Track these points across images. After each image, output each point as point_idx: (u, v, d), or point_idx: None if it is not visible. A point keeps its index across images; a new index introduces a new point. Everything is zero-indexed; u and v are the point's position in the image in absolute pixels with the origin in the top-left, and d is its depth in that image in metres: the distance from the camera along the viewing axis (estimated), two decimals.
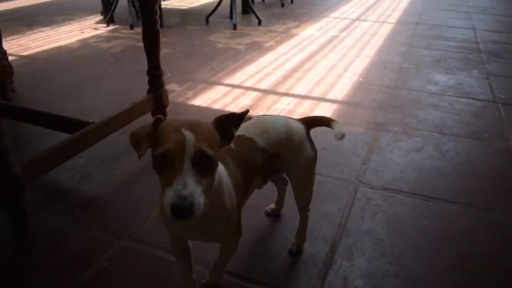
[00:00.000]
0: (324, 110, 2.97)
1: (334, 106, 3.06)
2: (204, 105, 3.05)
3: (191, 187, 0.94)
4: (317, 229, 1.83)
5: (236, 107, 3.01)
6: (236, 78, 3.56)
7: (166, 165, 0.97)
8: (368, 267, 1.65)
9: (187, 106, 3.03)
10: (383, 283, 1.58)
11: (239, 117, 1.09)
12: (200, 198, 0.95)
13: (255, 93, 3.26)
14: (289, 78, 3.56)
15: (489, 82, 3.64)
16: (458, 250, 1.78)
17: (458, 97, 3.29)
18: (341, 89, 3.37)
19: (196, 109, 2.99)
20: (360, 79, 3.60)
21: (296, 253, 1.70)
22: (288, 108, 2.97)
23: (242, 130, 1.33)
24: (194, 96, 3.20)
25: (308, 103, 3.09)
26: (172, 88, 3.30)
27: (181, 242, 1.38)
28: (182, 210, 0.92)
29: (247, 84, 3.45)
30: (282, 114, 2.86)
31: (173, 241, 1.38)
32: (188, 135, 0.98)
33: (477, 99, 3.27)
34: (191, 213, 0.93)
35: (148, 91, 2.52)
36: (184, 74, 3.63)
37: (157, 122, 1.03)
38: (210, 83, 3.43)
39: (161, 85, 2.52)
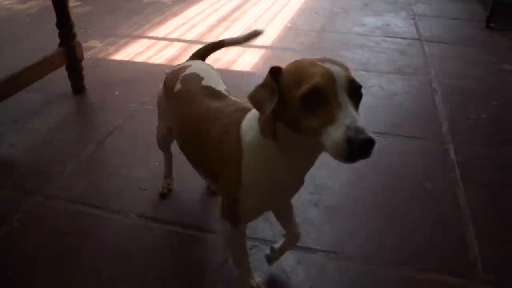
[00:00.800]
0: (251, 56, 2.91)
1: (262, 52, 2.99)
2: (126, 59, 2.90)
3: (361, 119, 0.80)
4: None
5: (160, 59, 2.89)
6: (161, 30, 3.41)
7: (316, 103, 0.83)
8: None
9: (108, 61, 2.87)
10: (304, 211, 1.58)
11: None
12: None
13: (180, 44, 3.13)
14: (217, 28, 3.45)
15: (415, 22, 3.68)
16: (379, 175, 1.80)
17: (385, 36, 3.32)
18: (270, 35, 3.30)
19: (117, 63, 2.84)
20: (289, 25, 3.54)
21: (214, 193, 1.67)
22: (214, 56, 2.86)
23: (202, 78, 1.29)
24: (116, 50, 3.03)
25: (235, 50, 3.00)
26: (93, 44, 3.12)
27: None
28: (364, 142, 0.76)
29: (173, 36, 3.31)
30: (208, 62, 2.77)
31: (243, 232, 1.18)
32: (331, 66, 0.85)
33: (403, 38, 3.30)
34: (372, 145, 0.77)
35: (60, 44, 2.35)
36: (107, 30, 3.44)
37: (276, 70, 0.91)
38: (134, 37, 3.27)
39: (73, 37, 2.35)
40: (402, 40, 3.25)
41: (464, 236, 1.53)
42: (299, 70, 0.87)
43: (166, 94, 1.38)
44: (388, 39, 3.27)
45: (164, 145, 1.62)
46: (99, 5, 4.10)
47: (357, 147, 0.76)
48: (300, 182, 1.10)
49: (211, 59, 1.52)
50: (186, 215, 1.60)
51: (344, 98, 0.82)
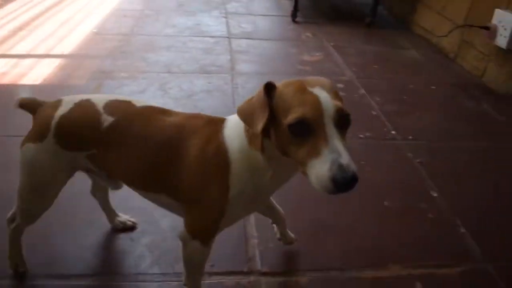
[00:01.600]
0: (45, 67, 2.67)
1: (58, 61, 2.77)
2: None
3: (345, 154, 0.81)
4: None
5: None
6: None
7: (303, 133, 0.83)
8: None
9: None
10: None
11: None
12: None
13: None
14: (11, 38, 3.12)
15: (226, 20, 3.77)
16: None
17: (193, 36, 3.33)
18: (71, 43, 3.08)
19: None
20: (95, 30, 3.36)
21: None
22: (1, 71, 2.58)
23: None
24: None
25: (27, 62, 2.74)
26: None
27: None
28: (348, 181, 0.78)
29: None
30: None
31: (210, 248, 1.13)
32: (321, 93, 0.85)
33: (211, 36, 3.35)
34: (356, 182, 0.79)
35: None
36: None
37: (270, 87, 0.89)
38: None
39: None
40: (210, 39, 3.29)
41: (246, 230, 1.55)
42: (289, 95, 0.86)
43: (74, 141, 1.10)
44: (196, 38, 3.28)
45: (38, 217, 1.25)
46: None
47: (340, 185, 0.79)
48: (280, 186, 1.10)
49: None
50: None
51: (331, 129, 0.82)
